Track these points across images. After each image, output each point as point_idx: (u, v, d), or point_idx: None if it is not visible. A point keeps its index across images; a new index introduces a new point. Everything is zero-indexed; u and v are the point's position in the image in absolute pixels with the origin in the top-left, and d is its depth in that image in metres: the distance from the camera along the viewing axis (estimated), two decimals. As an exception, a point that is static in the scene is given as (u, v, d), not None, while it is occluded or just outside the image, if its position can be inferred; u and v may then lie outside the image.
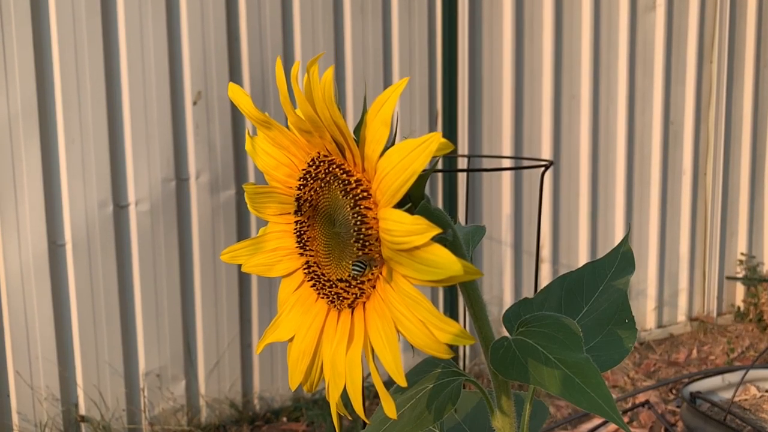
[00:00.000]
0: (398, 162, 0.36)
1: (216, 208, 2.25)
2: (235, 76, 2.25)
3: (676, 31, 3.02)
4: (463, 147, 2.62)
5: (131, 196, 2.15)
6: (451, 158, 2.65)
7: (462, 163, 2.57)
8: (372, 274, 0.39)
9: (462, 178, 2.50)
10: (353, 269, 0.39)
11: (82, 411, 2.16)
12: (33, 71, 2.00)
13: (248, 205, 0.46)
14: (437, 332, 0.35)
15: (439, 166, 2.67)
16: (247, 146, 0.45)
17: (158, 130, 2.16)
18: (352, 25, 2.40)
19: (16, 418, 2.10)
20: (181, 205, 2.22)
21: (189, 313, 2.27)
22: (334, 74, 2.07)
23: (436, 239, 0.40)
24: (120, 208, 2.14)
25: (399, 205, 0.37)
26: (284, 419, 2.35)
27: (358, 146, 0.38)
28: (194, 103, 2.20)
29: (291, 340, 0.44)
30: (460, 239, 0.42)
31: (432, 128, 2.58)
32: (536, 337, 0.43)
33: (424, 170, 0.35)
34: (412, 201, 0.39)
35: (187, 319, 2.27)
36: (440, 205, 2.59)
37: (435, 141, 0.34)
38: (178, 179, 2.21)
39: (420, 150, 0.34)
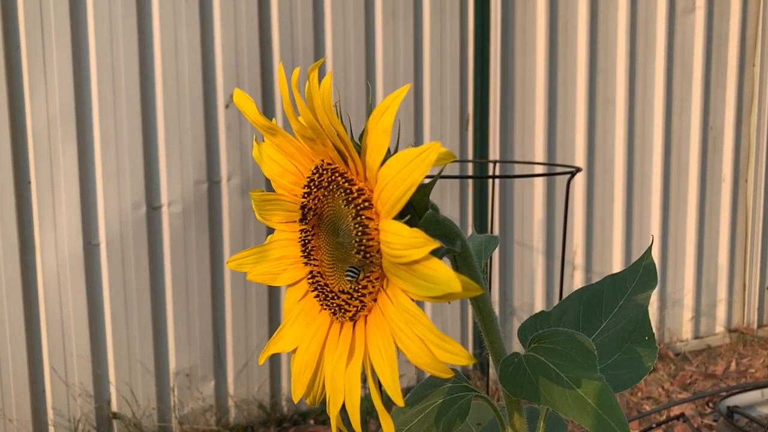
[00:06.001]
0: (397, 172, 0.35)
1: (247, 210, 2.27)
2: (266, 79, 2.27)
3: (717, 34, 2.93)
4: (494, 152, 2.58)
5: (164, 198, 2.18)
6: (481, 164, 2.62)
7: (491, 169, 2.54)
8: (370, 280, 0.38)
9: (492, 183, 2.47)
10: (347, 275, 0.38)
11: (115, 408, 2.20)
12: (71, 75, 2.05)
13: (255, 213, 0.46)
14: (436, 350, 0.34)
15: (469, 171, 2.65)
16: (254, 153, 0.45)
17: (191, 133, 2.19)
18: (383, 29, 2.39)
19: (51, 413, 2.15)
20: (213, 207, 2.25)
21: (219, 314, 2.29)
22: (365, 78, 2.05)
23: (444, 251, 0.39)
24: (153, 209, 2.18)
25: (402, 215, 0.36)
26: (311, 422, 2.35)
27: (359, 155, 0.37)
28: (226, 107, 2.23)
29: (294, 351, 0.43)
30: (470, 251, 0.41)
31: (463, 133, 2.56)
32: (548, 354, 0.41)
33: (430, 177, 0.34)
34: (416, 211, 0.38)
35: (217, 320, 2.29)
36: (470, 211, 2.57)
37: (434, 151, 0.33)
38: (210, 181, 2.23)
39: (419, 160, 0.33)
